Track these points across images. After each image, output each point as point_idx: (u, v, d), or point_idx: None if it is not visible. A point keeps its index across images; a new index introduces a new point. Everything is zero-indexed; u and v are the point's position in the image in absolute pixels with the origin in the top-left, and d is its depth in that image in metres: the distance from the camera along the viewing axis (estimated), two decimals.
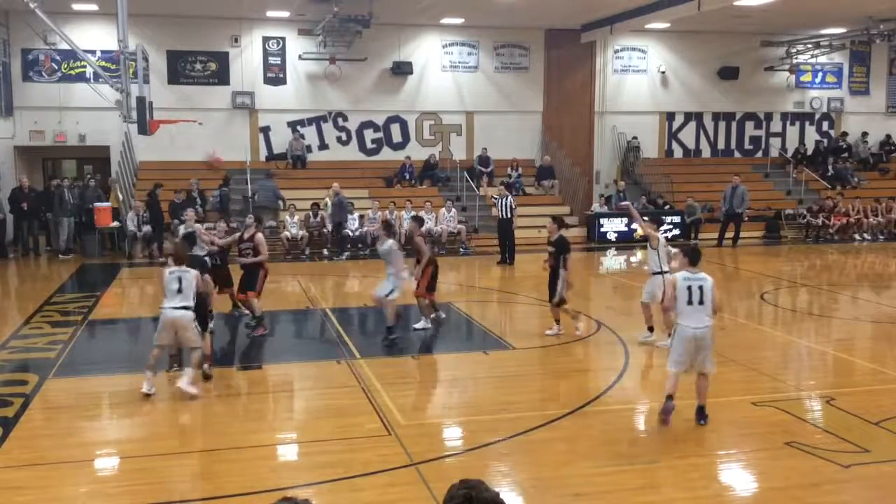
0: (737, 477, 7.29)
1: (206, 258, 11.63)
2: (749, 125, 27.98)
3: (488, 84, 25.45)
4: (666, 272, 11.03)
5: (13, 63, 22.13)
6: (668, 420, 8.16)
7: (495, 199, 19.41)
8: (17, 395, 9.27)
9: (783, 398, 9.11)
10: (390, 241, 11.89)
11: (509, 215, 19.59)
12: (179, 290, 9.17)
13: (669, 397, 8.13)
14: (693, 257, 8.31)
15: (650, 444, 8.02)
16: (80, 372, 10.37)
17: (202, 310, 9.60)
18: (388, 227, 12.43)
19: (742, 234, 22.80)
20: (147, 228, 19.98)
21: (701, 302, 8.07)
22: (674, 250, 10.63)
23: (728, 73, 26.89)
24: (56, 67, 22.49)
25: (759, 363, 10.63)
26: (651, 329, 11.59)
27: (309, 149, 24.25)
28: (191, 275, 9.24)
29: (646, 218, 12.96)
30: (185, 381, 9.08)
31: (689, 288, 8.07)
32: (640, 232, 22.78)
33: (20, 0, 17.31)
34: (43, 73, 22.48)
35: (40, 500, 6.64)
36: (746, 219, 23.22)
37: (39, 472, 7.19)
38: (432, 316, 12.49)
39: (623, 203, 13.11)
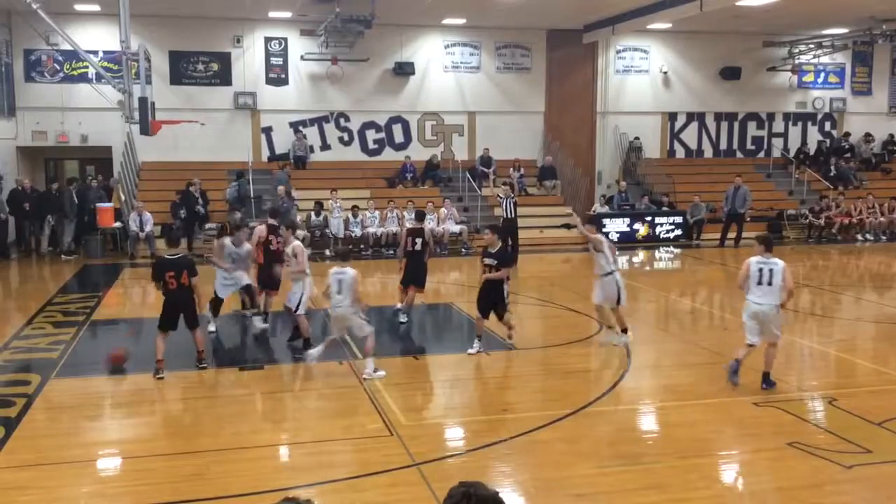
0: (738, 477, 7.29)
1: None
2: (751, 125, 27.97)
3: (490, 84, 25.46)
4: (615, 271, 11.22)
5: (15, 63, 22.16)
6: (735, 380, 9.41)
7: (500, 197, 19.35)
8: (20, 395, 9.28)
9: (785, 399, 9.10)
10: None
11: (513, 215, 19.53)
12: (339, 292, 10.00)
13: (737, 360, 9.50)
14: (768, 244, 9.33)
15: (652, 445, 8.03)
16: (82, 372, 10.38)
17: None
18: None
19: (744, 235, 22.77)
20: (150, 229, 19.96)
21: (770, 283, 9.13)
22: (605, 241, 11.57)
23: (730, 74, 26.88)
24: (58, 68, 22.52)
25: (761, 363, 10.60)
26: (625, 330, 11.45)
27: (311, 149, 24.27)
28: (349, 276, 10.07)
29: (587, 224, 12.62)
30: (370, 369, 9.82)
31: (761, 270, 9.19)
32: (641, 232, 22.96)
33: (22, 0, 17.32)
34: (45, 73, 22.51)
35: (43, 501, 6.65)
36: (749, 219, 23.20)
37: (42, 472, 7.20)
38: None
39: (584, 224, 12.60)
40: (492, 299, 10.97)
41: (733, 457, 7.69)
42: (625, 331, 11.47)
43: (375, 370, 9.85)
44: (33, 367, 10.49)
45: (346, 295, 9.95)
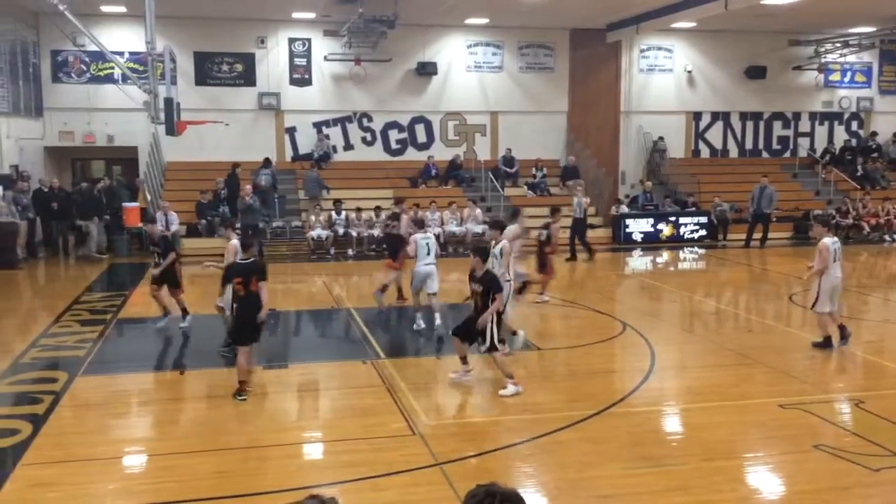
0: (764, 480, 7.22)
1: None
2: (777, 125, 27.73)
3: (513, 84, 25.42)
4: (509, 280, 10.87)
5: (43, 64, 22.43)
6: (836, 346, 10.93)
7: (577, 194, 20.07)
8: (47, 392, 9.39)
9: (811, 401, 9.00)
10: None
11: (583, 215, 20.08)
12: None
13: (828, 338, 10.99)
14: (833, 226, 10.97)
15: (677, 447, 7.97)
16: (108, 370, 10.49)
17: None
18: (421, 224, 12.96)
19: (770, 235, 22.58)
20: (175, 228, 20.11)
21: (836, 259, 11.00)
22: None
23: (755, 73, 26.66)
24: (85, 69, 22.77)
25: (787, 365, 10.52)
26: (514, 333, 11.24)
27: (334, 149, 24.35)
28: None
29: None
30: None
31: (835, 249, 11.01)
32: (666, 233, 22.81)
33: (49, 2, 17.53)
34: (72, 74, 22.76)
35: (69, 497, 6.71)
36: (774, 219, 22.99)
37: (68, 468, 7.28)
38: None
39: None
40: (476, 330, 9.38)
41: (759, 459, 7.61)
42: (514, 333, 11.20)
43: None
44: (60, 365, 10.61)
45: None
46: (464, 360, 9.78)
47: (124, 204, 20.72)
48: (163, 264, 12.26)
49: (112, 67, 22.14)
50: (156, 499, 6.67)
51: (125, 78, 20.86)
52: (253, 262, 9.47)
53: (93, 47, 20.72)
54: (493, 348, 9.35)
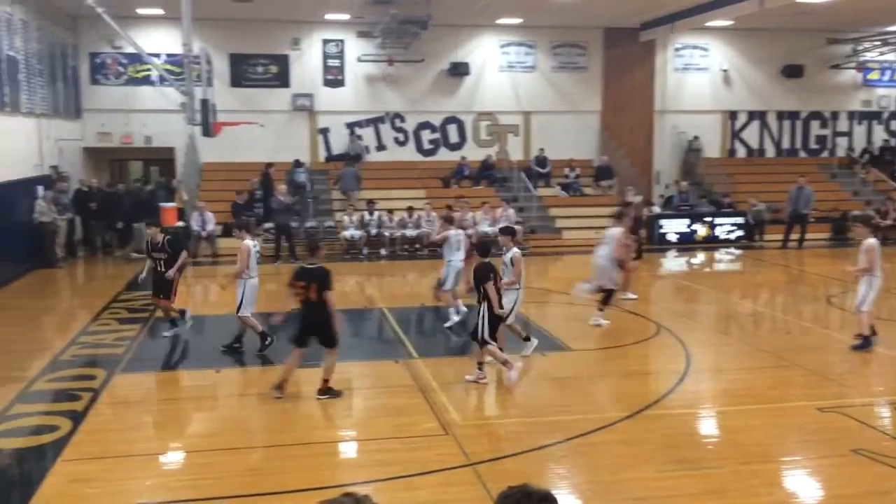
0: (801, 484, 7.12)
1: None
2: (814, 124, 27.33)
3: (545, 84, 25.34)
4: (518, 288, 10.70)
5: (81, 67, 22.79)
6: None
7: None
8: (86, 389, 9.54)
9: (850, 404, 8.87)
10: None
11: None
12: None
13: (868, 338, 10.93)
14: (874, 226, 11.25)
15: (712, 450, 7.89)
16: (146, 367, 10.63)
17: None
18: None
19: (808, 236, 22.26)
20: (211, 228, 20.32)
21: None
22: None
23: (792, 71, 26.30)
24: (122, 71, 23.09)
25: (825, 368, 10.37)
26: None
27: (367, 149, 24.46)
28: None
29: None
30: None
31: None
32: (701, 233, 22.58)
33: (88, 5, 17.80)
34: (110, 76, 23.09)
35: (108, 493, 6.82)
36: (812, 220, 22.66)
37: (107, 465, 7.39)
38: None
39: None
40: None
41: (796, 463, 7.52)
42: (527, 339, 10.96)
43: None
44: (99, 362, 10.77)
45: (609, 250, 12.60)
46: (479, 365, 9.79)
47: (161, 204, 20.96)
48: (178, 263, 11.86)
49: (149, 69, 22.44)
50: (192, 495, 6.75)
51: (162, 80, 21.16)
52: (317, 268, 9.32)
53: (130, 49, 21.02)
54: (484, 342, 9.48)
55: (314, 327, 9.22)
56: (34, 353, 11.32)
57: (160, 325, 12.62)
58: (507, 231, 11.07)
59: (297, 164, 22.52)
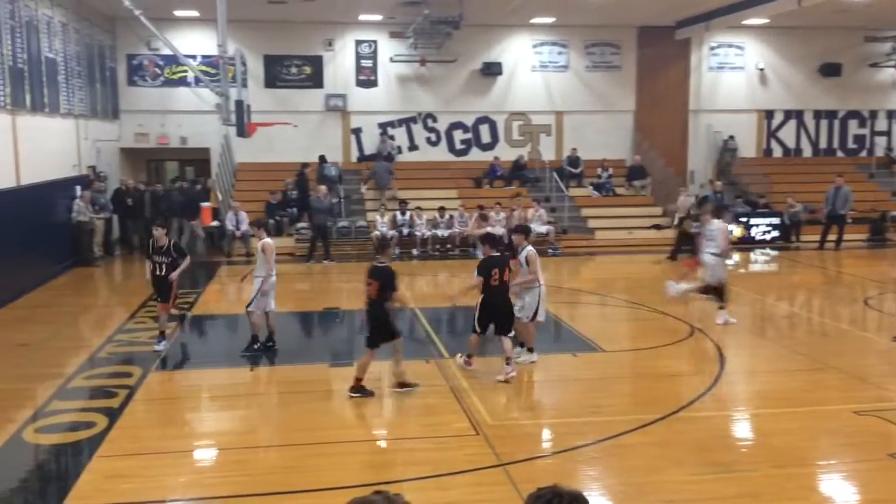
0: (837, 488, 7.02)
1: None
2: (852, 123, 26.90)
3: (578, 83, 25.22)
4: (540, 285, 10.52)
5: (119, 68, 23.13)
6: None
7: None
8: (122, 386, 9.68)
9: (888, 407, 8.71)
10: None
11: (687, 214, 20.31)
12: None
13: None
14: None
15: (746, 453, 7.81)
16: (181, 365, 10.76)
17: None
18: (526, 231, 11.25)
19: (845, 237, 21.91)
20: (245, 228, 20.48)
21: None
22: None
23: (830, 70, 25.91)
24: (159, 72, 23.40)
25: (863, 371, 10.20)
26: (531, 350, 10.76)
27: (399, 150, 24.52)
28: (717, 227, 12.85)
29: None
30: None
31: None
32: (736, 234, 22.32)
33: (125, 7, 18.06)
34: (147, 77, 23.41)
35: (143, 489, 6.91)
36: (850, 221, 22.29)
37: (142, 461, 7.49)
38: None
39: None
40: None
41: (832, 467, 7.41)
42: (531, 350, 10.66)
43: None
44: (135, 360, 10.92)
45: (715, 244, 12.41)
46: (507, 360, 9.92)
47: (201, 204, 21.19)
48: (180, 268, 11.34)
49: (185, 71, 22.71)
50: (225, 492, 6.82)
51: (198, 81, 21.41)
52: (384, 267, 9.36)
53: (167, 51, 21.30)
54: (474, 330, 10.07)
55: (374, 324, 9.33)
56: (72, 351, 11.52)
57: (192, 323, 12.63)
58: (521, 230, 10.97)
59: (322, 159, 22.62)
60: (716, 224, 13.02)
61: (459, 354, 10.46)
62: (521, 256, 10.43)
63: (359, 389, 9.23)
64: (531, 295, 10.32)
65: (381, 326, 9.29)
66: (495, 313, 9.98)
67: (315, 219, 20.16)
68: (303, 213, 21.31)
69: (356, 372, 9.32)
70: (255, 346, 11.10)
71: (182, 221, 20.99)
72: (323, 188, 20.77)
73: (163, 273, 11.30)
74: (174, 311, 11.90)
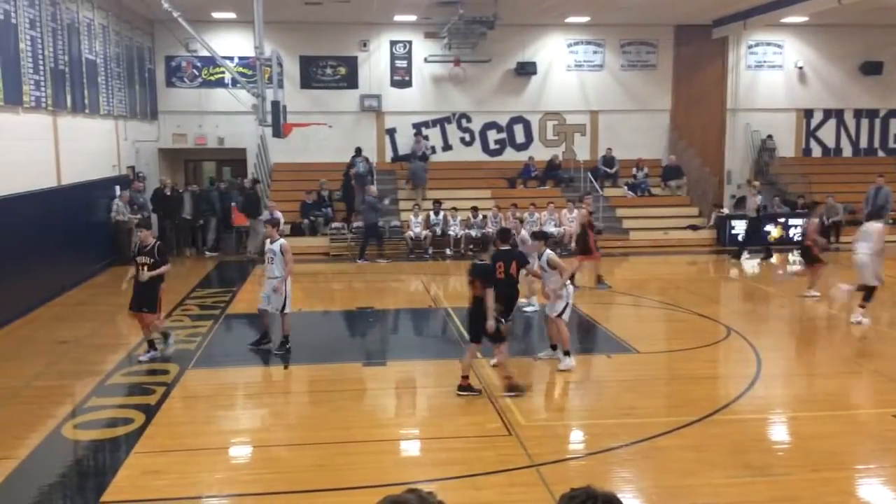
0: (875, 493, 6.90)
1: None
2: (894, 123, 26.38)
3: (614, 83, 25.05)
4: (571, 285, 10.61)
5: (158, 70, 23.45)
6: None
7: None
8: (160, 384, 9.81)
9: None
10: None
11: (757, 213, 20.67)
12: None
13: None
14: None
15: (783, 456, 7.70)
16: (217, 363, 10.88)
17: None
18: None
19: (886, 238, 21.45)
20: (281, 227, 20.60)
21: None
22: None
23: (871, 68, 25.45)
24: (197, 73, 23.68)
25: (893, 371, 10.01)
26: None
27: (433, 150, 24.56)
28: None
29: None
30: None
31: None
32: (774, 234, 22.01)
33: (164, 9, 18.31)
34: (185, 79, 23.71)
35: (178, 485, 7.00)
36: (891, 222, 21.86)
37: (178, 457, 7.59)
38: None
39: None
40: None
41: (870, 471, 7.28)
42: (568, 353, 10.44)
43: None
44: (172, 358, 11.05)
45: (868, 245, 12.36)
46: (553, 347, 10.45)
47: (233, 204, 21.43)
48: (157, 270, 10.76)
49: (222, 72, 22.95)
50: (259, 489, 6.89)
51: (235, 82, 21.63)
52: (483, 265, 9.50)
53: (204, 53, 21.53)
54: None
55: (474, 320, 9.39)
56: (110, 348, 11.70)
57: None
58: (539, 236, 10.91)
59: (358, 152, 22.77)
60: (871, 225, 13.16)
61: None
62: (543, 261, 10.42)
63: (466, 388, 9.26)
64: (562, 299, 10.29)
65: (478, 324, 9.33)
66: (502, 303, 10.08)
67: (366, 218, 20.31)
68: (351, 213, 21.55)
69: (461, 370, 9.38)
70: (288, 346, 11.19)
71: (217, 219, 21.32)
72: (373, 188, 20.95)
73: (140, 273, 10.77)
74: (159, 328, 11.09)
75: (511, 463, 7.25)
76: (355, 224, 21.24)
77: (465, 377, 9.32)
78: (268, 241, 11.52)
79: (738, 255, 20.19)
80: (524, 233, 13.57)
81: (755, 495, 6.65)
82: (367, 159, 22.74)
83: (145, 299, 10.79)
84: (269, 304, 11.28)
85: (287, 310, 11.21)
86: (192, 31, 19.18)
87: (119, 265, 18.48)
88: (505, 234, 10.62)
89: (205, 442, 8.00)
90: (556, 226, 21.34)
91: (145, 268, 10.73)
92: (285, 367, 10.71)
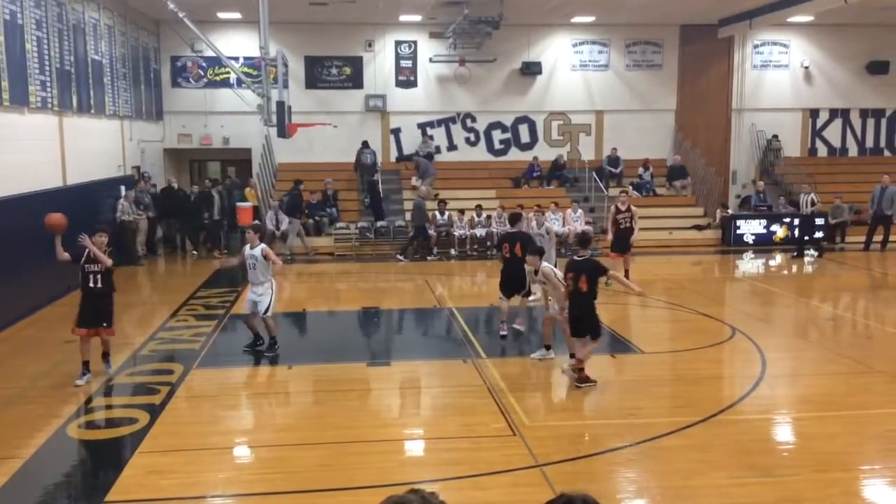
0: (882, 494, 6.87)
1: None
2: None
3: (619, 82, 25.03)
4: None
5: (163, 70, 23.50)
6: None
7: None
8: (164, 383, 9.83)
9: None
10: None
11: (810, 211, 20.67)
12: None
13: None
14: None
15: (788, 457, 7.68)
16: (221, 363, 10.89)
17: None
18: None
19: (891, 238, 21.44)
20: (285, 227, 20.63)
21: None
22: None
23: (877, 68, 25.38)
24: (202, 74, 23.72)
25: None
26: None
27: (438, 150, 24.56)
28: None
29: None
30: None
31: None
32: (779, 234, 21.96)
33: (170, 10, 18.35)
34: (190, 79, 23.75)
35: (183, 485, 7.01)
36: None
37: (183, 457, 7.60)
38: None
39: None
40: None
41: (876, 472, 7.25)
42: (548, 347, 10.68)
43: None
44: (177, 358, 11.08)
45: None
46: (547, 347, 10.65)
47: (238, 203, 21.45)
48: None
49: (228, 72, 22.99)
50: (264, 489, 6.89)
51: (240, 82, 21.68)
52: (585, 260, 9.70)
53: (210, 53, 21.58)
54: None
55: (579, 317, 9.54)
56: (115, 348, 11.65)
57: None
58: (535, 251, 10.87)
59: (365, 145, 22.93)
60: None
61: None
62: (539, 276, 10.48)
63: (585, 380, 9.47)
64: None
65: (588, 320, 9.50)
66: (509, 281, 11.71)
67: (416, 219, 20.51)
68: (379, 216, 21.76)
69: (579, 361, 9.52)
70: (276, 347, 11.10)
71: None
72: (423, 188, 21.06)
73: (98, 286, 9.81)
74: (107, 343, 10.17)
75: (515, 463, 7.25)
76: (342, 224, 21.26)
77: (581, 368, 9.52)
78: (247, 247, 11.16)
79: (801, 254, 20.34)
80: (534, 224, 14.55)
81: (760, 496, 6.63)
82: (374, 152, 22.88)
83: (104, 314, 9.89)
84: (253, 309, 11.09)
85: (270, 312, 11.06)
86: (198, 31, 19.23)
87: (125, 265, 18.52)
88: (514, 218, 12.36)
89: (209, 442, 8.01)
90: (560, 225, 21.30)
91: (98, 278, 9.78)
92: (289, 367, 10.71)
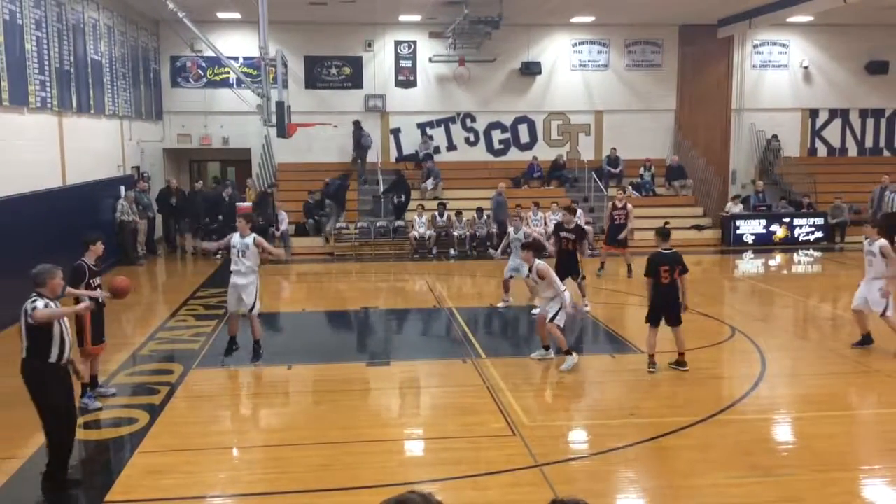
0: (881, 493, 6.88)
1: None
2: None
3: (619, 82, 25.04)
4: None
5: (163, 70, 23.50)
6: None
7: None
8: (164, 383, 9.83)
9: None
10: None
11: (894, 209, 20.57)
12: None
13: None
14: None
15: (788, 457, 7.68)
16: (220, 363, 10.87)
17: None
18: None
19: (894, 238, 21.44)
20: (285, 227, 20.62)
21: None
22: None
23: (877, 68, 25.39)
24: (202, 74, 23.72)
25: None
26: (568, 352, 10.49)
27: (437, 150, 24.56)
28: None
29: None
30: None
31: None
32: (779, 234, 21.97)
33: (169, 10, 18.34)
34: (190, 79, 23.75)
35: (183, 485, 7.01)
36: None
37: (182, 457, 7.60)
38: None
39: None
40: (568, 268, 12.83)
41: (876, 472, 7.26)
42: (568, 352, 10.43)
43: None
44: (176, 358, 11.09)
45: None
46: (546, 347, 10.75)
47: (237, 204, 21.41)
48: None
49: (227, 72, 22.99)
50: (264, 489, 6.89)
51: (239, 82, 21.67)
52: (674, 253, 10.07)
53: (209, 53, 21.58)
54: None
55: (666, 307, 10.01)
56: (115, 348, 11.67)
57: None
58: (531, 246, 10.83)
59: (358, 126, 23.14)
60: None
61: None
62: (534, 274, 10.46)
63: (683, 363, 10.11)
64: (555, 300, 10.33)
65: (674, 309, 10.01)
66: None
67: (496, 216, 20.74)
68: (401, 213, 21.78)
69: (681, 348, 10.10)
70: (260, 351, 10.70)
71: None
72: (502, 184, 21.47)
73: (102, 301, 9.21)
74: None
75: (515, 463, 7.24)
76: (359, 223, 21.31)
77: (681, 353, 10.16)
78: (236, 235, 10.59)
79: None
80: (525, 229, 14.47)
81: (760, 496, 6.63)
82: (368, 134, 23.21)
83: (103, 327, 9.44)
84: (239, 305, 10.53)
85: (256, 311, 10.64)
86: (197, 31, 19.22)
87: (125, 265, 18.56)
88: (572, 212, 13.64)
89: (209, 441, 8.01)
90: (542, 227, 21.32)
91: (101, 289, 9.15)
92: (288, 367, 10.70)
